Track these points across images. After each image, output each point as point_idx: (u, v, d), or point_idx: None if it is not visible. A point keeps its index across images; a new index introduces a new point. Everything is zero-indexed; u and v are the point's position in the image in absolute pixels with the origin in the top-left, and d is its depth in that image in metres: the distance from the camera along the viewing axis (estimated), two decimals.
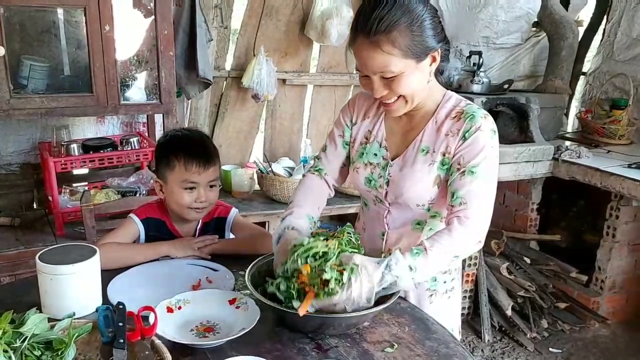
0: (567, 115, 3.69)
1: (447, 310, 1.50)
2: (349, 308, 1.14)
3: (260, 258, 1.35)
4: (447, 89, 1.42)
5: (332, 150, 1.52)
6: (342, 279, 1.13)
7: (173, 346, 1.08)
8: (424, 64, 1.26)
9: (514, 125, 3.07)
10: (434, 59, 1.27)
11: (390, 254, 1.21)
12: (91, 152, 2.45)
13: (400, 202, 1.40)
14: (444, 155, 1.33)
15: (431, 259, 1.20)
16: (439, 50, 1.27)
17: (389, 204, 1.43)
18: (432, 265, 1.22)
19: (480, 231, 1.30)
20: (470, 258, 3.05)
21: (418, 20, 1.20)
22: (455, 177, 1.30)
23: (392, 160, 1.40)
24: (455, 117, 1.33)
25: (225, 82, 3.14)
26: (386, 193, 1.41)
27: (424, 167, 1.35)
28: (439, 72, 1.36)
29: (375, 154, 1.43)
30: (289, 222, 1.34)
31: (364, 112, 1.48)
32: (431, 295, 1.48)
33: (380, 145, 1.43)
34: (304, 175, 1.56)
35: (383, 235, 1.48)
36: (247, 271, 1.28)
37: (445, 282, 1.48)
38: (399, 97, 1.29)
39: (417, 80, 1.27)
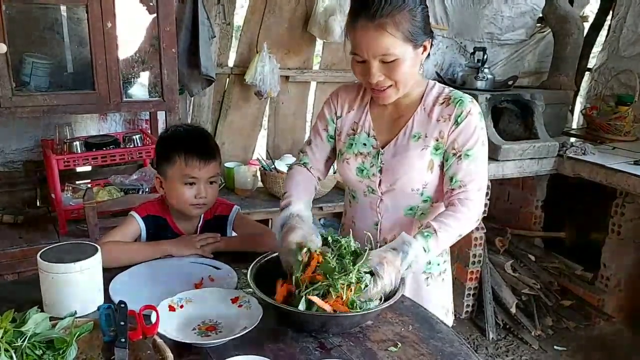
0: (572, 111, 3.67)
1: (441, 291, 1.58)
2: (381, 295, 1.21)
3: (262, 256, 1.34)
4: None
5: (318, 144, 1.56)
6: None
7: (175, 345, 1.07)
8: (418, 52, 1.32)
9: (518, 122, 3.05)
10: (425, 49, 1.34)
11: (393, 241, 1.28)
12: (94, 150, 2.44)
13: (395, 189, 1.43)
14: (437, 140, 1.39)
15: (441, 240, 1.30)
16: (430, 40, 1.33)
17: (381, 192, 1.46)
18: (442, 245, 1.32)
19: (480, 209, 1.39)
20: (474, 256, 3.04)
21: (416, 8, 1.27)
22: (452, 162, 1.37)
23: (382, 149, 1.43)
24: (444, 102, 1.39)
25: (228, 79, 3.13)
26: (380, 181, 1.44)
27: (417, 153, 1.39)
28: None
29: (365, 144, 1.46)
30: (292, 210, 1.36)
31: (348, 105, 1.51)
32: (427, 278, 1.54)
33: (369, 135, 1.46)
34: (290, 168, 1.58)
35: (376, 225, 1.50)
36: (250, 269, 1.27)
37: (438, 264, 1.55)
38: (391, 85, 1.33)
39: (411, 67, 1.32)
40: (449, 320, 1.61)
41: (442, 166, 1.41)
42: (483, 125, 1.39)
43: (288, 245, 1.25)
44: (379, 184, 1.45)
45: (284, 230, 1.30)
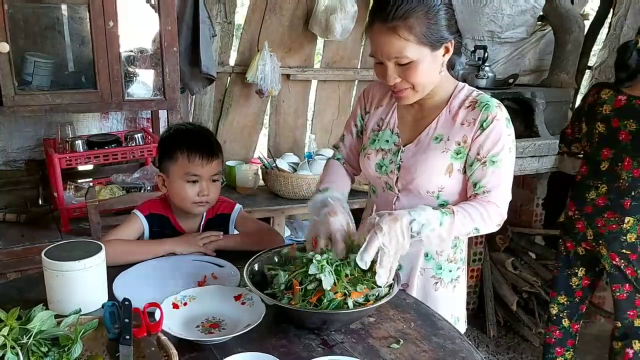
0: (572, 109, 3.66)
1: (451, 300, 1.54)
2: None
3: (259, 254, 1.34)
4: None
5: (349, 140, 1.60)
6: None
7: (179, 342, 1.08)
8: (437, 54, 1.29)
9: (519, 119, 3.05)
10: (447, 50, 1.31)
11: None
12: (96, 149, 2.45)
13: (411, 189, 1.42)
14: (459, 144, 1.36)
15: (456, 222, 1.28)
16: (452, 41, 1.30)
17: (398, 190, 1.45)
18: (456, 229, 1.28)
19: (502, 215, 1.37)
20: (475, 253, 3.05)
21: (434, 9, 1.24)
22: (476, 168, 1.35)
23: (403, 147, 1.43)
24: (470, 106, 1.37)
25: (229, 78, 3.13)
26: (397, 179, 1.44)
27: (436, 155, 1.38)
28: (450, 66, 1.40)
29: (387, 141, 1.47)
30: (334, 194, 1.41)
31: (378, 100, 1.52)
32: (436, 282, 1.51)
33: (392, 132, 1.46)
34: (328, 160, 1.64)
35: None
36: (246, 267, 1.28)
37: (450, 271, 1.51)
38: (408, 87, 1.31)
39: (429, 69, 1.30)
40: (460, 328, 1.56)
41: (462, 171, 1.38)
42: (510, 132, 1.36)
43: (332, 223, 1.25)
44: (396, 182, 1.44)
45: (328, 209, 1.29)
